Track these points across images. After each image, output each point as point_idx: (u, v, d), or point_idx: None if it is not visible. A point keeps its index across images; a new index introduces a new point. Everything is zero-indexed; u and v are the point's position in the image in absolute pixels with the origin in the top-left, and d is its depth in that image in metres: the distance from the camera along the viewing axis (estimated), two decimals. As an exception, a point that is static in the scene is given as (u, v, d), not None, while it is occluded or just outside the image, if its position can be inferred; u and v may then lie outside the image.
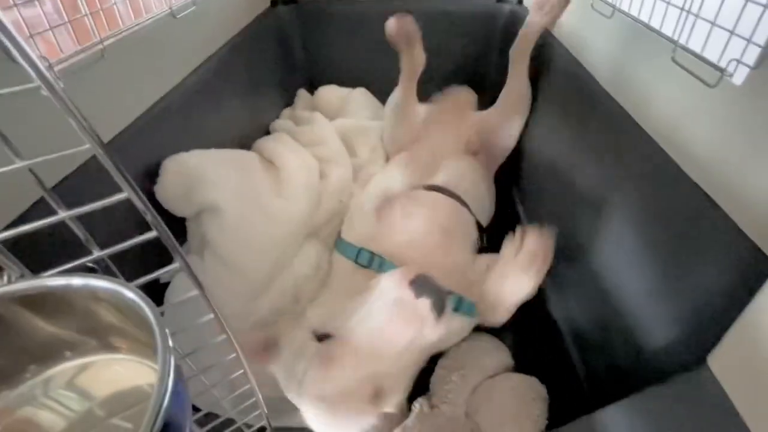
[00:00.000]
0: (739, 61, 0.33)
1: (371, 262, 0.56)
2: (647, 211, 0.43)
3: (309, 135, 0.82)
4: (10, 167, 0.17)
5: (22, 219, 0.35)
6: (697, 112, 0.38)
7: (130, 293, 0.18)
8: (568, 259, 0.58)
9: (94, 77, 0.46)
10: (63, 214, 0.18)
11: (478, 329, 0.60)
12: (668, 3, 0.43)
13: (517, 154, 0.85)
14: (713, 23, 0.37)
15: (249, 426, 0.41)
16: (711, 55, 0.37)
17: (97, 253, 0.20)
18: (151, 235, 0.21)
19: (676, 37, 0.41)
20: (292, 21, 1.10)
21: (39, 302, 0.18)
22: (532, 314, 0.67)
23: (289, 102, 1.07)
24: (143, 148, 0.54)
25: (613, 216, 0.49)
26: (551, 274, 0.49)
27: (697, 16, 0.39)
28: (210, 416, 0.40)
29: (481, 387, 0.52)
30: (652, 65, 0.46)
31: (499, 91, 1.08)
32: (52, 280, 0.18)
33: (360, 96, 1.05)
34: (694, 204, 0.36)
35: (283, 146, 0.75)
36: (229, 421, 0.39)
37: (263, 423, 0.42)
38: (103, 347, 0.21)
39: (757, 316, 0.22)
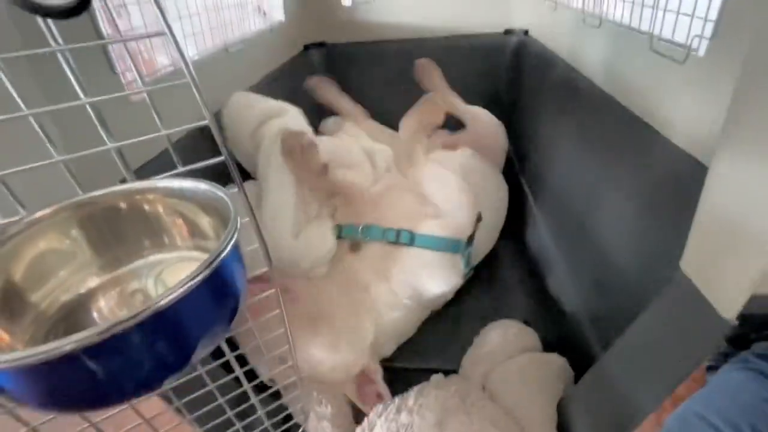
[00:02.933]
0: (700, 36, 0.39)
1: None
2: (633, 173, 0.48)
3: (336, 142, 0.91)
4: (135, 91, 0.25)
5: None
6: (673, 88, 0.44)
7: (205, 185, 0.25)
8: (572, 231, 0.62)
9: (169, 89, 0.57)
10: (163, 132, 0.26)
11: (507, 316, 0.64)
12: (643, 5, 0.50)
13: (526, 152, 0.91)
14: (678, 12, 0.43)
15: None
16: (679, 38, 0.43)
17: (180, 168, 0.27)
18: (220, 158, 0.28)
19: (651, 31, 0.48)
20: (322, 62, 1.25)
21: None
22: (547, 295, 0.70)
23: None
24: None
25: (606, 183, 0.54)
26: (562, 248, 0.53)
27: (665, 9, 0.45)
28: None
29: (501, 366, 0.54)
30: (635, 59, 0.52)
31: (510, 111, 1.17)
32: (160, 182, 0.26)
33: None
34: (674, 160, 0.41)
35: None
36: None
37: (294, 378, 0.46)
38: (191, 245, 0.27)
39: (702, 216, 0.26)
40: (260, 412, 0.46)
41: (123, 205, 0.25)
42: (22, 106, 0.21)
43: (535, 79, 0.99)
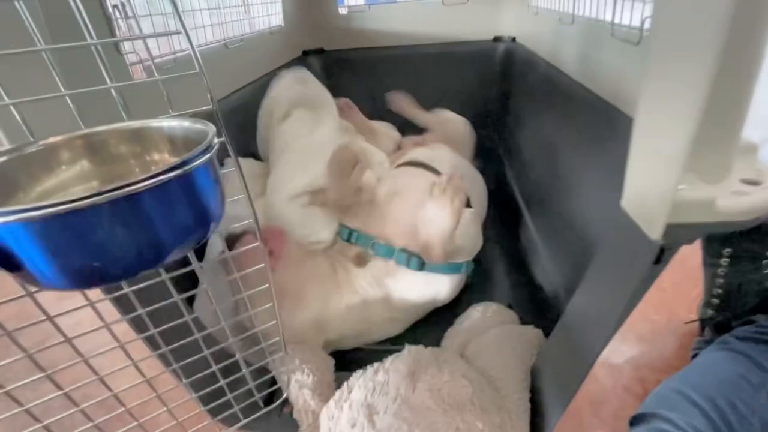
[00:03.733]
0: (650, 17, 0.43)
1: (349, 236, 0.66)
2: (605, 155, 0.51)
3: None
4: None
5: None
6: (630, 68, 0.48)
7: (188, 122, 0.28)
8: (553, 218, 0.65)
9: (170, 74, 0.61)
10: (158, 77, 0.29)
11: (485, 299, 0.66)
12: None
13: (513, 149, 0.95)
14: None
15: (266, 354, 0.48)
16: (635, 22, 0.47)
17: (173, 113, 0.31)
18: (208, 107, 0.31)
19: (612, 20, 0.52)
20: (320, 67, 1.31)
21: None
22: (532, 285, 0.72)
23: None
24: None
25: (582, 169, 0.57)
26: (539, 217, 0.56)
27: (623, -1, 0.50)
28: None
29: (478, 337, 0.56)
30: (600, 47, 0.56)
31: (501, 114, 1.22)
32: (153, 122, 0.29)
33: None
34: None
35: None
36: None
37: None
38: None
39: (632, 157, 0.30)
40: (245, 371, 0.48)
41: (120, 137, 0.28)
42: (39, 42, 0.25)
43: (522, 81, 1.04)
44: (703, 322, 0.76)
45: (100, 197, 0.18)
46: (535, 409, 0.45)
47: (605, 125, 0.53)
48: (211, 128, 0.27)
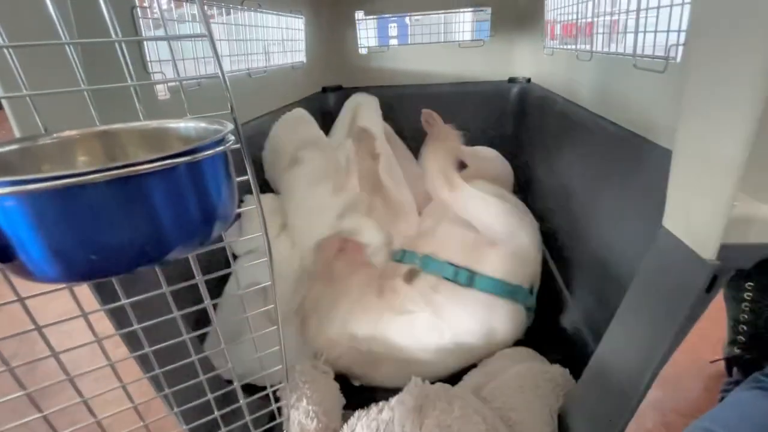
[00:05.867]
0: (677, 45, 0.43)
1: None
2: (628, 181, 0.49)
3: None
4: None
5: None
6: (658, 95, 0.47)
7: (205, 123, 0.27)
8: (573, 251, 0.61)
9: (194, 97, 0.62)
10: (177, 79, 0.29)
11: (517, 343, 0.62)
12: (626, 32, 0.55)
13: (530, 186, 0.93)
14: (656, 31, 0.47)
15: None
16: (656, 51, 0.47)
17: (189, 115, 0.30)
18: (225, 112, 0.31)
19: (634, 52, 0.52)
20: (338, 104, 1.34)
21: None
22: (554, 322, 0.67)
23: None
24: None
25: (603, 198, 0.55)
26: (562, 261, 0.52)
27: (645, 31, 0.50)
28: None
29: (499, 377, 0.52)
30: (622, 78, 0.56)
31: (515, 153, 1.22)
32: (170, 122, 0.29)
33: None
34: (663, 160, 0.42)
35: None
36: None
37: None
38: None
39: (675, 177, 0.28)
40: (242, 402, 0.44)
41: (135, 135, 0.28)
42: (64, 36, 0.25)
43: (537, 118, 1.04)
44: (730, 361, 0.71)
45: (102, 174, 0.17)
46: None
47: (629, 155, 0.51)
48: (228, 125, 0.26)
